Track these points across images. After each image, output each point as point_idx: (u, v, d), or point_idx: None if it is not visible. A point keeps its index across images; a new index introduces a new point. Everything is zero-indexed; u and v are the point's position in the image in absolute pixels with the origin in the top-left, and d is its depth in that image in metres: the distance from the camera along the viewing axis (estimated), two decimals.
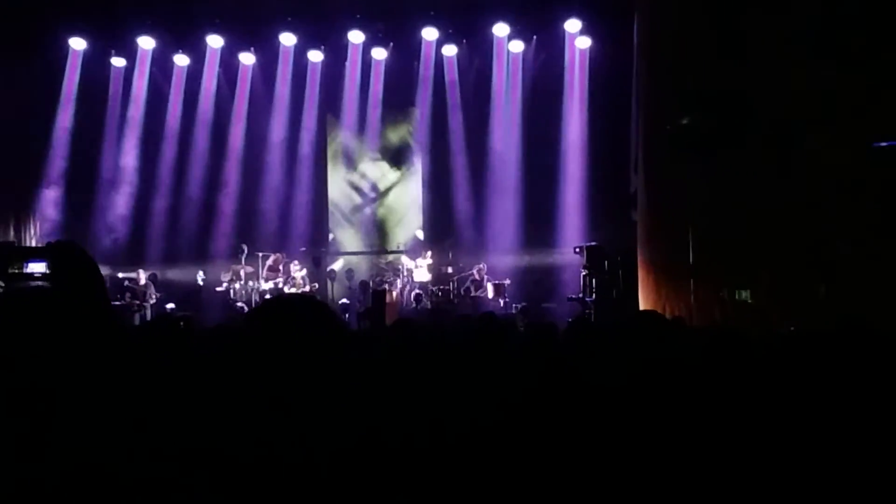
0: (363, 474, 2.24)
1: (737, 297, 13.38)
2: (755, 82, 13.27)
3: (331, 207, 20.74)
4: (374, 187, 20.80)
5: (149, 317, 17.51)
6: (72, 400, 2.29)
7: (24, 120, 19.47)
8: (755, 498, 2.90)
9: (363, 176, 20.76)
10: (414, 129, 20.54)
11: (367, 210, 20.77)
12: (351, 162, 20.77)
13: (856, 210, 12.56)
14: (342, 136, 20.76)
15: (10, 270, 3.08)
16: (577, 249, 17.27)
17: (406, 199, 20.70)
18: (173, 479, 2.20)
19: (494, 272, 18.57)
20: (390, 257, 19.71)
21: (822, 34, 12.93)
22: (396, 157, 20.81)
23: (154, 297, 18.09)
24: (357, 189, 20.79)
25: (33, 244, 19.14)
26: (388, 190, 20.85)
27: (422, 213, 20.52)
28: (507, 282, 18.23)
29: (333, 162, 20.84)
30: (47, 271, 2.83)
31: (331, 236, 20.65)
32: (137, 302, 17.66)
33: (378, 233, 20.71)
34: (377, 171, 20.81)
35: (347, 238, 20.80)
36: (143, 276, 18.15)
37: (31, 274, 3.01)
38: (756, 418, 3.30)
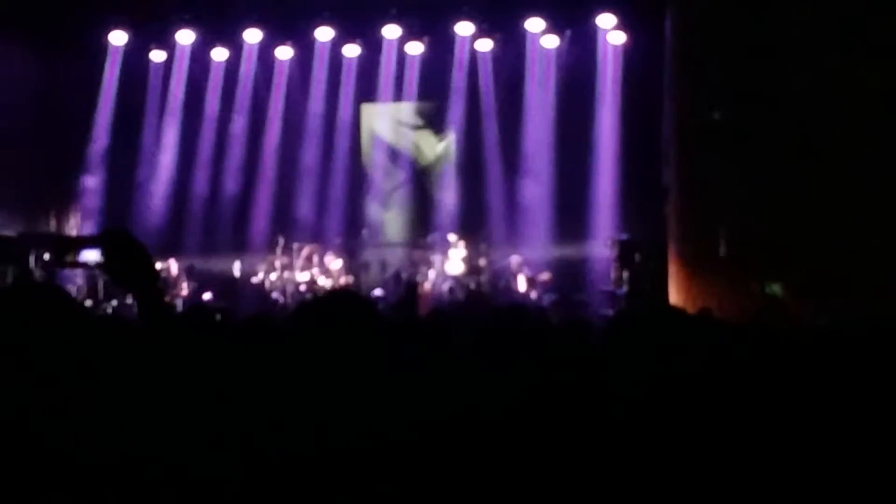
0: (396, 467, 2.29)
1: (768, 290, 13.39)
2: (786, 76, 13.29)
3: (365, 198, 20.83)
4: (411, 172, 20.91)
5: (180, 308, 17.49)
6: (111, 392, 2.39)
7: (65, 113, 19.72)
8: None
9: (398, 161, 20.83)
10: (448, 121, 20.52)
11: (402, 195, 20.83)
12: (386, 152, 20.85)
13: (887, 203, 12.58)
14: (378, 128, 20.89)
15: (66, 259, 3.12)
16: (609, 242, 17.30)
17: (440, 189, 20.70)
18: (211, 473, 2.28)
19: (528, 264, 18.54)
20: (424, 248, 19.65)
21: (852, 28, 12.94)
22: (433, 138, 20.89)
23: (186, 288, 18.21)
24: (393, 175, 20.85)
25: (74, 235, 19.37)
26: (423, 173, 20.95)
27: (455, 205, 20.47)
28: (542, 274, 18.22)
29: (368, 153, 20.92)
30: (100, 260, 2.84)
31: (366, 226, 20.65)
32: (170, 292, 17.69)
33: (414, 220, 20.74)
34: (411, 158, 20.93)
35: (383, 226, 20.83)
36: (174, 267, 18.25)
37: (86, 262, 3.05)
38: (789, 417, 3.29)
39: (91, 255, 3.01)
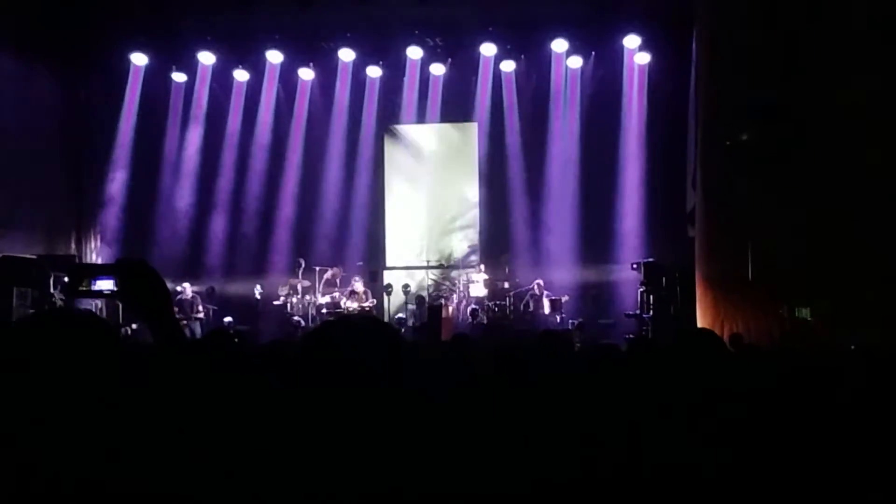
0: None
1: (796, 314, 13.22)
2: (814, 95, 13.15)
3: (388, 220, 20.77)
4: (432, 198, 20.83)
5: (197, 331, 17.56)
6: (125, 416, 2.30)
7: (86, 135, 19.77)
8: None
9: (421, 187, 20.76)
10: (471, 144, 20.50)
11: (424, 222, 20.76)
12: (409, 174, 20.80)
13: None
14: (401, 149, 20.83)
15: (80, 288, 3.13)
16: (635, 265, 17.17)
17: (463, 212, 20.66)
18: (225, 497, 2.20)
19: (551, 288, 18.41)
20: (447, 271, 19.64)
21: (885, 48, 12.81)
22: (454, 167, 20.81)
23: (201, 311, 18.13)
24: (415, 201, 20.79)
25: (94, 258, 19.39)
26: (444, 201, 20.86)
27: (478, 228, 20.48)
28: (565, 298, 18.06)
29: (391, 175, 20.86)
30: (115, 288, 2.85)
31: (388, 250, 20.66)
32: (184, 316, 17.63)
33: (435, 246, 20.65)
34: (434, 181, 20.85)
35: (405, 251, 20.78)
36: (189, 290, 18.14)
37: (100, 291, 3.05)
38: (822, 441, 3.22)
39: (106, 284, 3.00)
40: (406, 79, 20.02)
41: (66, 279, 15.61)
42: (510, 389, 4.08)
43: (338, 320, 2.55)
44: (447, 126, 20.65)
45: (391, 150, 20.87)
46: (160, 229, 19.79)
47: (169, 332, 2.69)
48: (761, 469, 2.91)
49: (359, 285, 18.36)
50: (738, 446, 2.99)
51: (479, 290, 18.52)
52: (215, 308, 18.38)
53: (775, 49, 13.59)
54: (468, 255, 20.39)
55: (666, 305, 16.14)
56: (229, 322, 18.02)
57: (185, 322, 17.49)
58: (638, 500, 2.80)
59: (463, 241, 20.62)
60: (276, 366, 4.80)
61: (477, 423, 3.14)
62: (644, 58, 19.04)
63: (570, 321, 17.68)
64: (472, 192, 20.61)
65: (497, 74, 19.82)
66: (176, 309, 17.29)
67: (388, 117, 20.52)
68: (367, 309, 18.01)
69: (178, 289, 17.99)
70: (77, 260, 18.77)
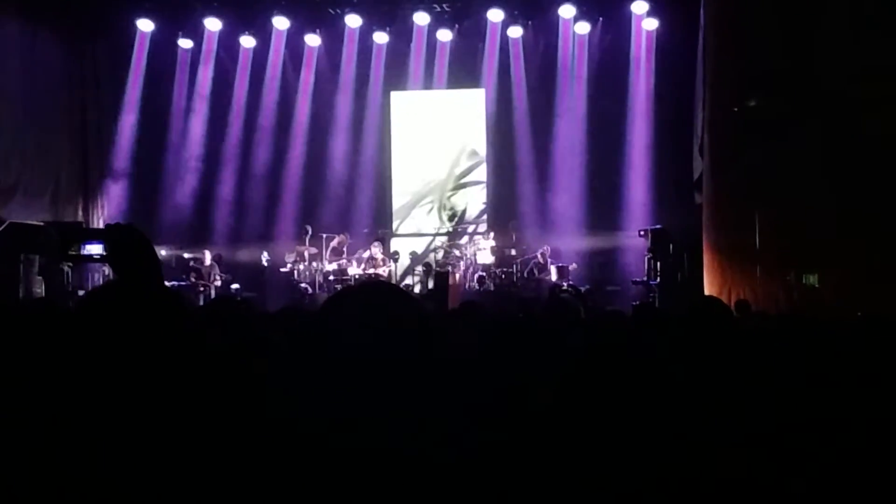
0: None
1: (804, 281, 13.20)
2: (827, 62, 13.07)
3: (395, 187, 20.77)
4: (440, 162, 20.82)
5: (212, 297, 17.53)
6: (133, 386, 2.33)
7: (93, 101, 19.74)
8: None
9: (428, 155, 20.75)
10: (478, 110, 20.46)
11: (433, 188, 20.76)
12: (416, 140, 20.79)
13: None
14: (408, 116, 20.79)
15: (70, 252, 3.17)
16: (642, 232, 17.16)
17: (472, 167, 20.69)
18: (232, 467, 2.20)
19: (558, 255, 18.39)
20: (454, 238, 19.61)
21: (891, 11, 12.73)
22: (461, 133, 20.78)
23: (219, 277, 18.13)
24: (422, 168, 20.78)
25: (101, 224, 19.39)
26: (452, 162, 20.84)
27: (486, 194, 20.48)
28: (573, 265, 18.06)
29: (398, 142, 20.82)
30: (104, 253, 2.87)
31: (395, 216, 20.65)
32: (203, 282, 17.75)
33: (443, 212, 20.65)
34: (441, 147, 20.80)
35: (412, 218, 20.80)
36: (207, 257, 18.14)
37: (90, 255, 3.08)
38: (828, 409, 3.22)
39: (95, 248, 3.01)
40: (413, 45, 19.95)
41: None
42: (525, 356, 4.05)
43: (359, 286, 2.53)
44: (454, 92, 20.56)
45: (398, 117, 20.82)
46: (167, 196, 19.79)
47: (157, 296, 2.69)
48: (771, 441, 2.91)
49: (377, 251, 18.31)
50: (748, 419, 3.01)
51: (486, 257, 18.48)
52: (223, 275, 18.38)
53: (784, 14, 13.51)
54: (481, 212, 20.40)
55: (673, 272, 16.14)
56: (236, 289, 18.06)
57: (202, 288, 17.60)
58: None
59: (476, 198, 20.65)
60: (290, 332, 4.79)
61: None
62: (652, 24, 18.95)
63: (578, 288, 17.65)
64: (480, 152, 20.61)
65: (504, 40, 19.73)
66: (194, 275, 17.48)
67: (395, 84, 20.46)
68: (381, 276, 17.96)
69: (198, 255, 18.07)
70: (84, 227, 18.78)
